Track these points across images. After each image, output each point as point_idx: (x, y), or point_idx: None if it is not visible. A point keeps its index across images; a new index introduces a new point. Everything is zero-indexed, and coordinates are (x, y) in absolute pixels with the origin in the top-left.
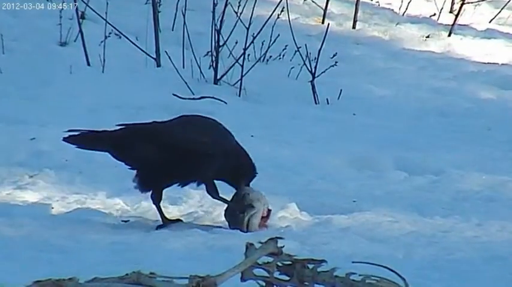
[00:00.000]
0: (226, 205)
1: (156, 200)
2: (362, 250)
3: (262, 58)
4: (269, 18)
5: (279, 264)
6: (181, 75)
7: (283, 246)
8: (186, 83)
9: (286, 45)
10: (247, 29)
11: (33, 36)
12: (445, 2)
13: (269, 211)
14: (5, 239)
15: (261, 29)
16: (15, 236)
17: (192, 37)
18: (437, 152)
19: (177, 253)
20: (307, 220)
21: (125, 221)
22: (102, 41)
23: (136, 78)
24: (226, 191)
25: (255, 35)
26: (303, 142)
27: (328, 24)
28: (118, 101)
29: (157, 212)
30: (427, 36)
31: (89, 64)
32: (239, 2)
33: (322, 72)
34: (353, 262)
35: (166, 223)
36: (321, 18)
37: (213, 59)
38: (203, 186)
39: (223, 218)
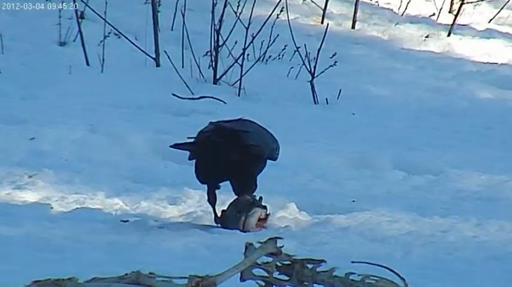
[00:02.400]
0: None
1: (211, 200)
2: (361, 250)
3: (261, 58)
4: (268, 18)
5: (278, 264)
6: (180, 75)
7: (283, 246)
8: (185, 82)
9: (285, 45)
10: (247, 29)
11: (33, 36)
12: (444, 1)
13: (267, 215)
14: (4, 239)
15: (261, 29)
16: (15, 236)
17: (191, 37)
18: (436, 152)
19: (176, 253)
20: (306, 220)
21: (125, 221)
22: (101, 41)
23: (135, 78)
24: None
25: (254, 35)
26: (302, 142)
27: (328, 24)
28: (117, 101)
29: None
30: (427, 36)
31: (88, 64)
32: (238, 2)
33: (321, 72)
34: (352, 262)
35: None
36: (320, 18)
37: (213, 58)
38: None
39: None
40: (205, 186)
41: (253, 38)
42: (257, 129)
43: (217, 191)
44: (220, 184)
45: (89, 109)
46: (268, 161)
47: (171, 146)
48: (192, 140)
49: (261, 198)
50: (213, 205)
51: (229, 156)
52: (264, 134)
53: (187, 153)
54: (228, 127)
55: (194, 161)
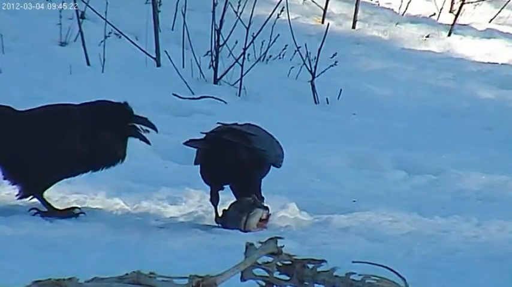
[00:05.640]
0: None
1: (214, 200)
2: (362, 250)
3: (262, 58)
4: (269, 18)
5: (279, 264)
6: (181, 75)
7: (283, 246)
8: (186, 82)
9: (286, 45)
10: (247, 28)
11: (33, 36)
12: (444, 1)
13: (268, 215)
14: (4, 238)
15: (261, 29)
16: (15, 235)
17: (192, 37)
18: (436, 152)
19: (176, 253)
20: (307, 220)
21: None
22: (102, 41)
23: (136, 78)
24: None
25: (254, 34)
26: (302, 142)
27: (328, 24)
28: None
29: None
30: (427, 36)
31: (88, 64)
32: (239, 2)
33: (322, 72)
34: (353, 262)
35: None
36: (321, 18)
37: (213, 58)
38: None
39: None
40: (209, 186)
41: (254, 37)
42: (264, 135)
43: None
44: (224, 186)
45: None
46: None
47: (184, 143)
48: (203, 135)
49: (262, 198)
50: (215, 205)
51: (237, 156)
52: (270, 140)
53: (189, 152)
54: (238, 129)
55: (199, 164)
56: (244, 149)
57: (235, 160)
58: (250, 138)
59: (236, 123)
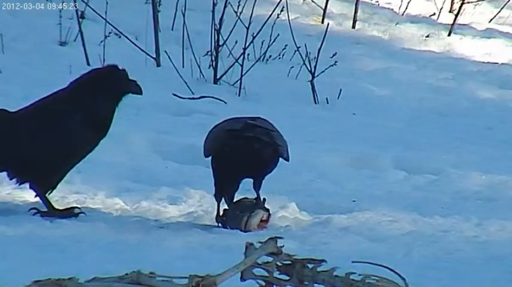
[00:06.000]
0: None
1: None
2: (362, 250)
3: (262, 58)
4: (269, 17)
5: (279, 264)
6: (181, 74)
7: (283, 246)
8: (185, 82)
9: (285, 45)
10: (247, 28)
11: (33, 36)
12: (444, 1)
13: (269, 216)
14: (4, 238)
15: (261, 29)
16: (15, 235)
17: (191, 37)
18: (436, 152)
19: (176, 253)
20: (306, 220)
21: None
22: (101, 41)
23: (136, 78)
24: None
25: (254, 34)
26: (303, 142)
27: (328, 23)
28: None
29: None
30: (427, 36)
31: (88, 64)
32: (239, 2)
33: (321, 72)
34: (353, 262)
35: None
36: (321, 17)
37: (213, 58)
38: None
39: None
40: (213, 184)
41: (254, 37)
42: (275, 129)
43: None
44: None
45: None
46: None
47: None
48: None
49: (264, 200)
50: (219, 202)
51: (261, 153)
52: (281, 134)
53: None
54: (260, 125)
55: (212, 156)
56: (269, 147)
57: (259, 157)
58: (272, 135)
59: (246, 117)
